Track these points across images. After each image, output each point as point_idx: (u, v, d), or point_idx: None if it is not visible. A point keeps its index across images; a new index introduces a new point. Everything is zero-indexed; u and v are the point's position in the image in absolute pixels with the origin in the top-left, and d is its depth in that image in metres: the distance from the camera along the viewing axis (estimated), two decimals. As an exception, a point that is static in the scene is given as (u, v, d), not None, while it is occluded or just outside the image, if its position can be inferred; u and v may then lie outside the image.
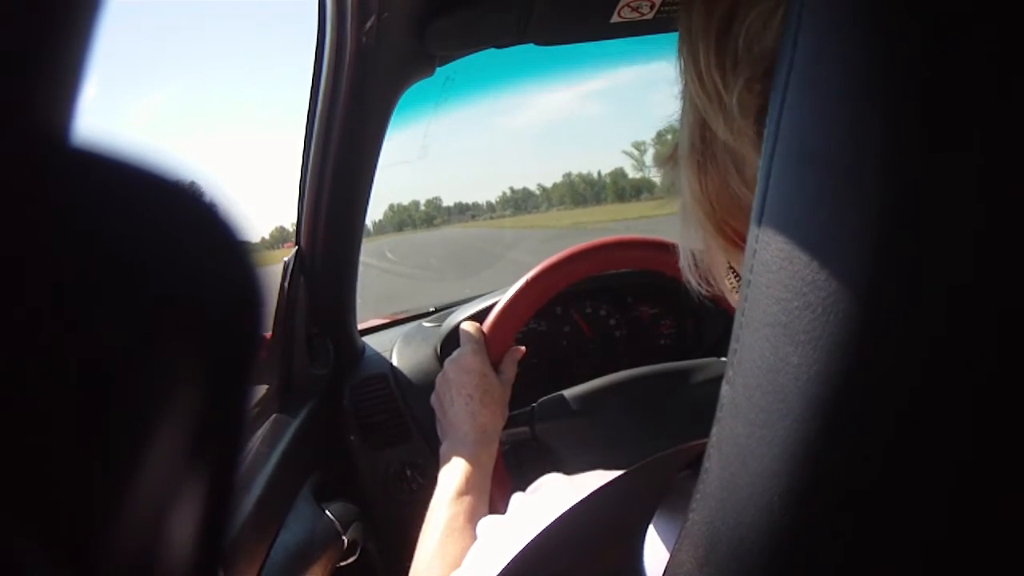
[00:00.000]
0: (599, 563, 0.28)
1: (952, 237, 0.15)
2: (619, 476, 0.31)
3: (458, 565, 0.40)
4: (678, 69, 0.30)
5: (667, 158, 0.33)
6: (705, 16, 0.27)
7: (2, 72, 0.14)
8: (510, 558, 0.30)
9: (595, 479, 0.32)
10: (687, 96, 0.30)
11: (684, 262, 0.35)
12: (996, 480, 0.16)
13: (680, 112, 0.32)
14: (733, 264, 0.31)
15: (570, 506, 0.30)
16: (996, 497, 0.16)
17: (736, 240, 0.29)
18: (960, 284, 0.15)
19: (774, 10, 0.24)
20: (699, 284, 0.35)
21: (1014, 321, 0.15)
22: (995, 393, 0.15)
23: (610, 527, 0.29)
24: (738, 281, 0.31)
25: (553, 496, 0.34)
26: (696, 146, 0.29)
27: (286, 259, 0.80)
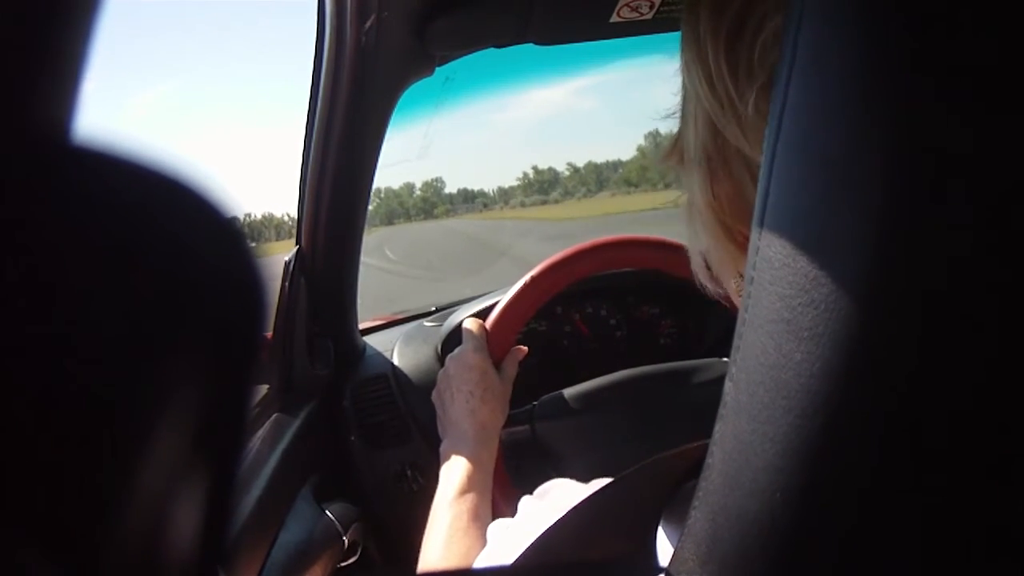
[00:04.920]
0: (610, 552, 0.28)
1: (952, 233, 0.15)
2: (627, 473, 0.31)
3: (464, 564, 0.40)
4: (682, 68, 0.29)
5: (670, 154, 0.32)
6: (714, 20, 0.26)
7: (2, 70, 0.14)
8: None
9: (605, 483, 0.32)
10: (693, 98, 0.29)
11: (695, 265, 0.34)
12: (998, 475, 0.16)
13: (682, 110, 0.31)
14: (740, 269, 0.30)
15: (579, 500, 0.30)
16: (998, 492, 0.16)
17: (746, 245, 0.29)
18: (961, 280, 0.15)
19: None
20: (713, 287, 0.34)
21: (1014, 317, 0.15)
22: (996, 388, 0.15)
23: (619, 520, 0.29)
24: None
25: (564, 500, 0.34)
26: (708, 151, 0.28)
27: (287, 259, 0.80)
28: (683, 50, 0.29)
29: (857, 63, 0.16)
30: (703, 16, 0.26)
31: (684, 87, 0.30)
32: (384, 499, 0.87)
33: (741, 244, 0.29)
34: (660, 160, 0.33)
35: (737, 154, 0.27)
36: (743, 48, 0.25)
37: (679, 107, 0.31)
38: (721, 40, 0.25)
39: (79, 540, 0.11)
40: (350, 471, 0.87)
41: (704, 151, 0.28)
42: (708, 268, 0.33)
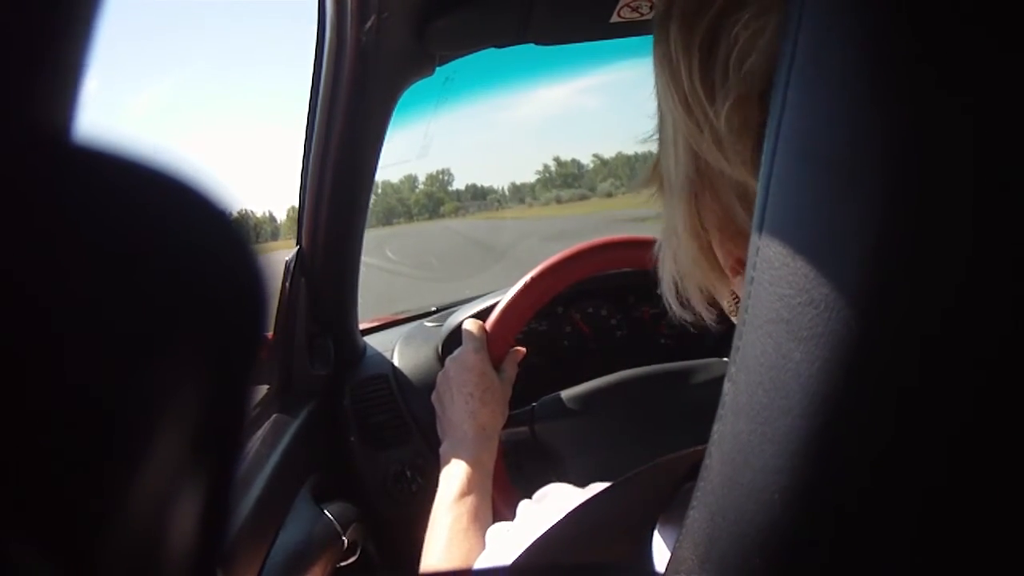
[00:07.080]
0: (606, 557, 0.28)
1: (952, 235, 0.15)
2: (625, 478, 0.31)
3: (465, 566, 0.41)
4: (657, 93, 0.28)
5: (649, 181, 0.31)
6: (685, 36, 0.25)
7: (3, 70, 0.14)
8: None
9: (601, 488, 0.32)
10: (670, 123, 0.27)
11: (666, 290, 0.33)
12: (997, 477, 0.16)
13: (659, 134, 0.30)
14: (735, 289, 0.29)
15: (577, 504, 0.30)
16: (997, 494, 0.16)
17: (737, 268, 0.27)
18: (961, 281, 0.15)
19: (763, 28, 0.22)
20: (681, 312, 0.33)
21: (1013, 318, 0.15)
22: (995, 390, 0.15)
23: (616, 524, 0.29)
24: (738, 304, 0.30)
25: (562, 504, 0.34)
26: (691, 178, 0.27)
27: (287, 259, 0.80)
28: (656, 73, 0.27)
29: (857, 62, 0.16)
30: (673, 33, 0.25)
31: (660, 110, 0.29)
32: (384, 499, 0.87)
33: (732, 268, 0.28)
34: (639, 187, 0.32)
35: (721, 176, 0.26)
36: (717, 63, 0.24)
37: (655, 131, 0.30)
38: (694, 57, 0.24)
39: (78, 540, 0.11)
40: (350, 471, 0.87)
41: (687, 178, 0.27)
42: (677, 292, 0.32)
